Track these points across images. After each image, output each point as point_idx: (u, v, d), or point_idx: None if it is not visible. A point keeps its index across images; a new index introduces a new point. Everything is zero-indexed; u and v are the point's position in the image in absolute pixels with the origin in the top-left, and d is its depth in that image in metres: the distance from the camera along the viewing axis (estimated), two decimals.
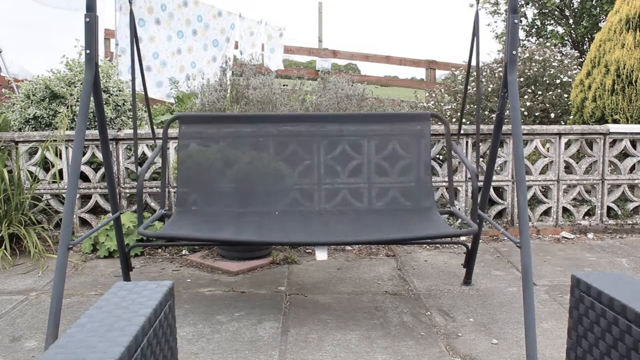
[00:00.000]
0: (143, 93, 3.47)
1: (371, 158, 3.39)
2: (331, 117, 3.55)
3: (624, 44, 5.02)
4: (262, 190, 3.31)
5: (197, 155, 3.35)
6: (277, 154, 3.38)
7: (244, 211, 3.24)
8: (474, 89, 5.94)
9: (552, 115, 5.86)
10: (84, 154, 4.27)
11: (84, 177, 4.33)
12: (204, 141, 3.38)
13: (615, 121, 4.99)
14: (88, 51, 2.49)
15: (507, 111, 2.78)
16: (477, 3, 3.05)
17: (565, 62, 6.32)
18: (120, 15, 6.83)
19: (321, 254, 2.76)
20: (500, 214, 4.57)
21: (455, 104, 6.35)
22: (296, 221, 3.17)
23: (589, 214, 4.65)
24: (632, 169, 4.66)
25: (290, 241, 3.17)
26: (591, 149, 4.62)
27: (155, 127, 5.29)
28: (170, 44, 7.74)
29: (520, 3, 8.53)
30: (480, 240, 3.73)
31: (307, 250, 4.13)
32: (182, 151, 3.36)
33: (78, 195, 4.32)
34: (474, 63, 3.01)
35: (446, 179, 4.42)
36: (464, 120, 5.95)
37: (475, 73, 3.25)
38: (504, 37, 3.10)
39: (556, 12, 10.65)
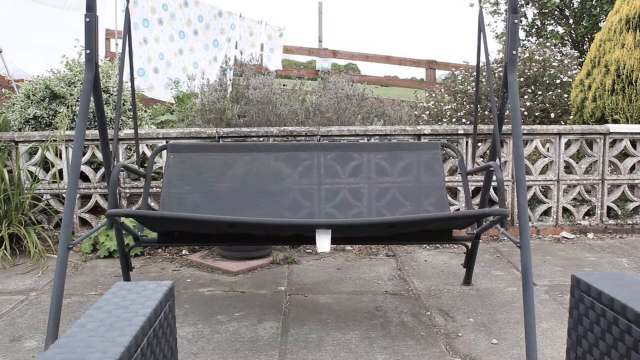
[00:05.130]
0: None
1: (374, 184, 3.17)
2: (331, 147, 3.27)
3: (624, 44, 5.02)
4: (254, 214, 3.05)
5: (185, 181, 3.15)
6: (272, 182, 3.16)
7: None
8: (474, 89, 5.93)
9: (552, 115, 5.86)
10: (84, 154, 4.27)
11: (84, 177, 4.33)
12: (193, 169, 3.17)
13: (615, 121, 4.99)
14: (88, 51, 2.49)
15: (507, 111, 2.78)
16: (480, 1, 3.06)
17: (565, 62, 6.32)
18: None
19: (323, 244, 2.35)
20: None
21: (455, 104, 6.35)
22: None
23: (589, 214, 4.65)
24: (632, 169, 4.66)
25: (289, 223, 2.87)
26: (591, 149, 4.62)
27: (155, 126, 5.29)
28: (173, 44, 7.75)
29: (520, 3, 8.53)
30: (480, 240, 3.73)
31: (307, 250, 4.13)
32: (170, 176, 3.16)
33: (78, 195, 4.32)
34: (481, 61, 2.99)
35: (445, 179, 4.41)
36: (464, 120, 5.95)
37: (476, 71, 3.24)
38: (504, 37, 3.08)
39: (556, 12, 10.65)
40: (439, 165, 3.20)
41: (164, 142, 4.15)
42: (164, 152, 4.19)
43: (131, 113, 4.80)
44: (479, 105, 5.78)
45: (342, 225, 2.47)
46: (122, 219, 2.78)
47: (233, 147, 3.37)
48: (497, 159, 3.01)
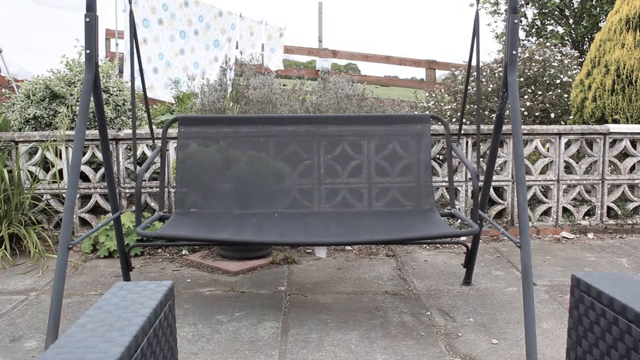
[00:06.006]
0: (141, 93, 3.49)
1: (371, 158, 3.38)
2: (330, 119, 3.54)
3: (624, 44, 5.02)
4: (262, 191, 3.31)
5: (196, 156, 3.34)
6: (277, 153, 3.38)
7: (244, 213, 3.24)
8: (474, 89, 5.93)
9: (552, 115, 5.86)
10: (84, 154, 4.27)
11: (84, 177, 4.33)
12: (204, 142, 3.37)
13: (615, 121, 4.99)
14: (88, 51, 2.49)
15: (507, 111, 2.79)
16: (477, 3, 3.06)
17: (565, 62, 6.32)
18: (125, 16, 6.83)
19: (320, 252, 2.72)
20: (500, 214, 4.57)
21: (455, 104, 6.35)
22: (296, 221, 3.17)
23: (589, 214, 4.65)
24: (632, 169, 4.66)
25: (290, 241, 3.16)
26: (591, 149, 4.62)
27: (155, 127, 5.29)
28: (173, 44, 7.75)
29: (520, 3, 8.53)
30: (480, 240, 3.73)
31: (307, 250, 4.13)
32: (181, 152, 3.36)
33: (78, 195, 4.32)
34: (474, 63, 3.01)
35: (446, 179, 4.42)
36: (464, 120, 5.95)
37: (475, 73, 3.24)
38: (504, 37, 3.10)
39: (556, 12, 10.65)
40: (427, 137, 3.41)
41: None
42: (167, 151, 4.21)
43: (130, 113, 4.80)
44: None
45: (338, 243, 2.64)
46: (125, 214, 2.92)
47: (241, 120, 3.55)
48: (477, 166, 3.12)
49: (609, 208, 4.65)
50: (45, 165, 4.32)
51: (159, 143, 4.31)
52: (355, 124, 3.45)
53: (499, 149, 4.38)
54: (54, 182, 4.25)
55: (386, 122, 3.45)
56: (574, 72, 6.19)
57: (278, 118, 3.59)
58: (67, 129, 4.24)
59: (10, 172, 4.15)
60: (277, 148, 3.38)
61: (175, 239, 3.30)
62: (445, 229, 3.01)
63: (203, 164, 3.34)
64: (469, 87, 6.28)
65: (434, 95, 6.90)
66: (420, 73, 13.01)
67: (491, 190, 3.99)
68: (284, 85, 5.78)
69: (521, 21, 10.81)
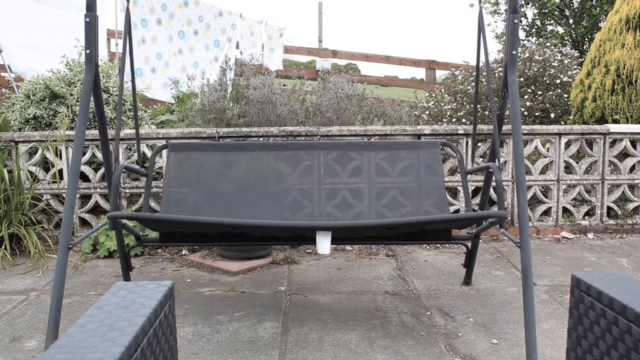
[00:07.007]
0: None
1: (373, 184, 3.19)
2: (333, 146, 3.31)
3: (624, 44, 5.02)
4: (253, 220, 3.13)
5: (186, 180, 3.18)
6: (272, 182, 3.19)
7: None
8: (474, 89, 5.93)
9: (552, 115, 5.86)
10: (84, 154, 4.27)
11: (84, 177, 4.33)
12: (194, 168, 3.21)
13: (615, 121, 4.99)
14: (88, 51, 2.49)
15: (507, 111, 2.79)
16: (480, 2, 3.06)
17: (565, 62, 6.32)
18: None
19: (323, 246, 2.41)
20: None
21: (455, 104, 6.35)
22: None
23: (589, 214, 4.65)
24: (632, 169, 4.66)
25: (290, 225, 2.97)
26: (591, 149, 4.62)
27: (155, 126, 5.29)
28: (172, 44, 7.75)
29: (520, 3, 8.53)
30: (480, 240, 3.73)
31: (307, 250, 4.13)
32: (173, 170, 3.19)
33: (78, 195, 4.32)
34: (481, 61, 2.99)
35: (445, 178, 4.42)
36: (464, 120, 5.95)
37: (476, 71, 3.24)
38: (504, 37, 3.11)
39: (556, 12, 10.64)
40: (439, 164, 3.22)
41: (164, 142, 4.15)
42: (164, 152, 4.20)
43: (131, 113, 4.80)
44: (479, 105, 5.79)
45: (341, 227, 2.51)
46: (125, 220, 2.79)
47: (234, 146, 3.40)
48: (497, 160, 3.02)
49: (609, 208, 4.65)
50: (45, 165, 4.32)
51: (158, 143, 4.31)
52: (360, 151, 3.24)
53: (499, 149, 4.39)
54: (54, 182, 4.25)
55: (395, 149, 3.25)
56: (574, 72, 6.19)
57: (275, 145, 3.38)
58: (67, 129, 4.24)
59: (10, 172, 4.15)
60: (272, 175, 3.18)
61: (149, 220, 3.05)
62: (466, 215, 2.83)
63: (193, 189, 3.15)
64: (469, 87, 6.27)
65: (434, 95, 6.90)
66: (420, 73, 13.02)
67: (491, 190, 3.99)
68: (284, 85, 5.78)
69: (521, 21, 10.81)
